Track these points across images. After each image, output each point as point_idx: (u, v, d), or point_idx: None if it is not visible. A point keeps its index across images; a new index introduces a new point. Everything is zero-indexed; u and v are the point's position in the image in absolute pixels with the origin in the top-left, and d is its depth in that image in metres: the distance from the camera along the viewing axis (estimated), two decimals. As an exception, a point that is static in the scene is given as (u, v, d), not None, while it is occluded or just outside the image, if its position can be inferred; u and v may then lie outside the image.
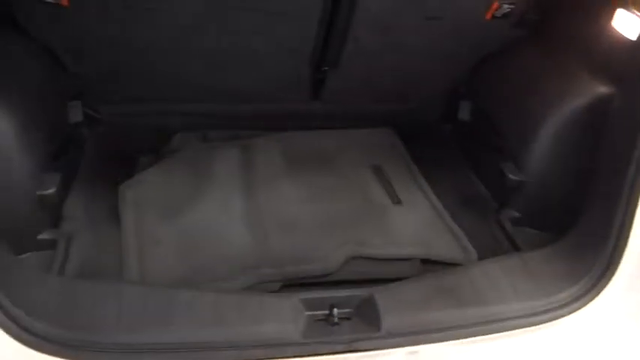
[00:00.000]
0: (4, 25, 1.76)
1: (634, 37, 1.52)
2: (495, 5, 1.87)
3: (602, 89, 1.63)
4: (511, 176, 1.80)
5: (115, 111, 2.13)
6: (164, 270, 1.57)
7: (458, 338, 1.27)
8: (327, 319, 1.30)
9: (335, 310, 1.29)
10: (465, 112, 2.18)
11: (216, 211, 1.78)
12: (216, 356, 1.18)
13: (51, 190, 1.58)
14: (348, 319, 1.31)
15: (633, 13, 1.55)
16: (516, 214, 1.83)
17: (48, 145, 1.67)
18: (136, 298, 1.26)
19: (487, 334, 1.29)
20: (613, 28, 1.64)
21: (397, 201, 1.91)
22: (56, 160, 1.72)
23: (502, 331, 1.30)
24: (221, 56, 1.94)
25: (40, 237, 1.60)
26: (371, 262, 1.65)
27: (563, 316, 1.33)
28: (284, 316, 1.27)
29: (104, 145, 2.07)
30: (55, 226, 1.67)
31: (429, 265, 1.68)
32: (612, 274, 1.37)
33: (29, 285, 1.27)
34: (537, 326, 1.32)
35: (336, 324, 1.29)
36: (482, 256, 1.70)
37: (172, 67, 1.97)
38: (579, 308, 1.34)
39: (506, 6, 1.88)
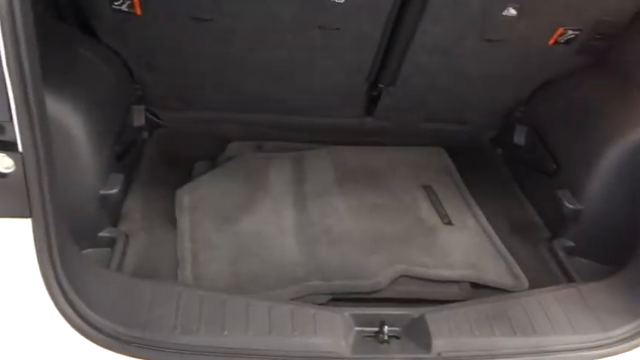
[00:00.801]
0: (78, 31, 1.85)
1: None
2: (560, 31, 1.86)
3: None
4: (568, 204, 1.76)
5: (173, 116, 2.20)
6: (217, 274, 1.60)
7: (511, 366, 1.25)
8: (377, 336, 1.30)
9: (385, 328, 1.29)
10: (520, 136, 2.15)
11: (269, 221, 1.81)
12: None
13: (114, 190, 1.64)
14: (397, 337, 1.31)
15: None
16: (570, 244, 1.79)
17: (114, 146, 1.73)
18: (193, 301, 1.29)
19: (541, 364, 1.26)
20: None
21: (448, 221, 1.90)
22: (119, 161, 1.79)
23: (557, 362, 1.27)
24: (280, 69, 1.99)
25: (100, 234, 1.66)
26: (421, 282, 1.65)
27: (621, 352, 1.29)
28: (335, 331, 1.28)
29: (162, 149, 2.14)
30: (114, 225, 1.73)
31: (479, 289, 1.67)
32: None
33: (91, 280, 1.32)
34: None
35: (386, 342, 1.29)
36: (534, 285, 1.67)
37: (233, 78, 2.03)
38: (635, 347, 1.30)
39: (570, 32, 1.86)
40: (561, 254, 1.77)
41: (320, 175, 2.04)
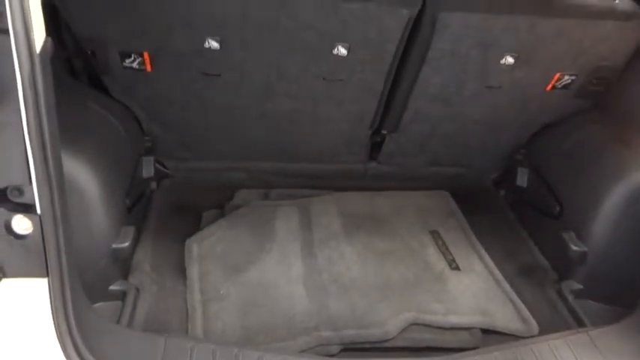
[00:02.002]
0: (89, 86, 1.91)
1: None
2: (557, 76, 1.91)
3: None
4: (574, 247, 1.77)
5: (181, 166, 2.24)
6: (227, 327, 1.60)
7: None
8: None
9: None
10: (522, 179, 2.18)
11: (277, 270, 1.83)
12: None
13: (126, 244, 1.66)
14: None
15: None
16: (579, 286, 1.80)
17: (125, 199, 1.76)
18: (205, 356, 1.29)
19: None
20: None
21: (455, 266, 1.91)
22: (129, 213, 1.81)
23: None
24: (286, 119, 2.04)
25: (110, 288, 1.67)
26: (431, 329, 1.64)
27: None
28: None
29: (170, 199, 2.17)
30: (125, 278, 1.74)
31: (490, 334, 1.66)
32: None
33: (104, 336, 1.32)
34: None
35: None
36: (544, 329, 1.67)
37: (240, 128, 2.07)
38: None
39: (567, 77, 1.92)
40: (570, 297, 1.78)
41: (326, 222, 2.07)
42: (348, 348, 1.57)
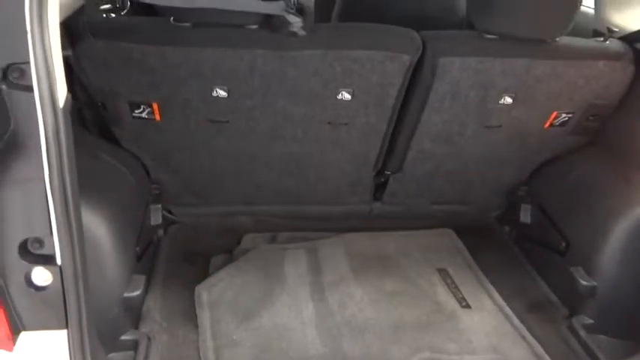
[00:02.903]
0: (99, 137, 1.95)
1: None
2: (554, 115, 1.97)
3: None
4: (583, 282, 1.79)
5: (188, 212, 2.25)
6: (241, 374, 1.59)
7: None
8: None
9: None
10: (526, 215, 2.21)
11: (289, 315, 1.83)
12: None
13: (137, 293, 1.66)
14: None
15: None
16: (590, 321, 1.80)
17: (135, 248, 1.77)
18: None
19: None
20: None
21: (465, 304, 1.92)
22: (139, 261, 1.82)
23: None
24: (292, 163, 2.07)
25: (122, 338, 1.66)
26: (444, 367, 1.64)
27: None
28: None
29: (178, 246, 2.18)
30: (136, 327, 1.73)
31: (504, 373, 1.66)
32: None
33: None
34: None
35: None
36: (558, 365, 1.67)
37: (247, 173, 2.11)
38: None
39: (564, 115, 1.98)
40: (582, 332, 1.78)
41: (335, 264, 2.08)
42: (364, 391, 1.56)
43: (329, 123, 1.92)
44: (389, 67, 1.76)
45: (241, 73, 1.73)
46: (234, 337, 1.72)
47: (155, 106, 1.82)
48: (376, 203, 2.32)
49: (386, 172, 2.20)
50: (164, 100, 1.81)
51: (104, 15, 1.74)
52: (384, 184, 2.25)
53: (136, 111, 1.83)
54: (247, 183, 2.16)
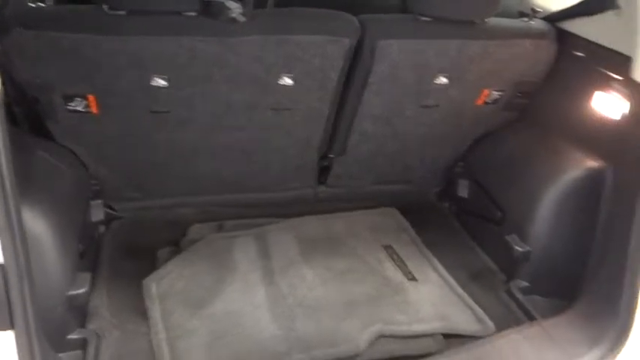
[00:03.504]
0: (32, 134, 1.86)
1: (617, 117, 1.70)
2: (486, 92, 2.08)
3: (592, 164, 1.79)
4: (517, 248, 1.91)
5: (130, 206, 2.20)
6: (198, 362, 1.59)
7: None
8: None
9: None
10: (463, 190, 2.32)
11: (241, 300, 1.83)
12: None
13: (82, 290, 1.62)
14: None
15: (613, 95, 1.74)
16: (525, 284, 1.92)
17: (78, 245, 1.72)
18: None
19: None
20: (594, 109, 1.83)
21: (412, 277, 2.00)
22: (82, 258, 1.77)
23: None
24: (235, 151, 2.07)
25: (69, 337, 1.61)
26: (397, 339, 1.71)
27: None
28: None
29: (121, 241, 2.12)
30: (83, 326, 1.69)
31: (450, 338, 1.75)
32: (626, 338, 1.46)
33: None
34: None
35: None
36: (499, 326, 1.77)
37: (189, 163, 2.08)
38: (604, 370, 1.42)
39: (495, 93, 2.08)
40: (519, 295, 1.90)
41: (284, 248, 2.10)
42: (321, 367, 1.60)
43: (272, 109, 1.93)
44: (329, 50, 1.79)
45: (181, 62, 1.70)
46: (188, 327, 1.71)
47: (91, 98, 1.76)
48: (321, 187, 2.36)
49: (329, 156, 2.24)
50: (101, 92, 1.75)
51: (31, 4, 1.66)
52: (328, 168, 2.30)
53: (71, 104, 1.77)
54: (191, 174, 2.14)
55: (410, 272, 2.03)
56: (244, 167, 2.16)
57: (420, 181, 2.45)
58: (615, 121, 1.71)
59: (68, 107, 1.77)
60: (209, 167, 2.12)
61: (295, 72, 1.81)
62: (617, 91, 1.69)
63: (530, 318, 1.80)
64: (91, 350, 1.60)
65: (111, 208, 2.18)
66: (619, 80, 1.67)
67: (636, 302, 1.47)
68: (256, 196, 2.31)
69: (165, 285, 1.87)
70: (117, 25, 1.62)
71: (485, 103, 2.11)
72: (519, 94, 2.11)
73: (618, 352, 1.45)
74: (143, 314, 1.77)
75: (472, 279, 2.04)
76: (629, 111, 1.56)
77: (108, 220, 2.16)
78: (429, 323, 1.76)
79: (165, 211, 2.24)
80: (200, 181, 2.19)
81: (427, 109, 2.08)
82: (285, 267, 2.00)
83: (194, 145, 2.00)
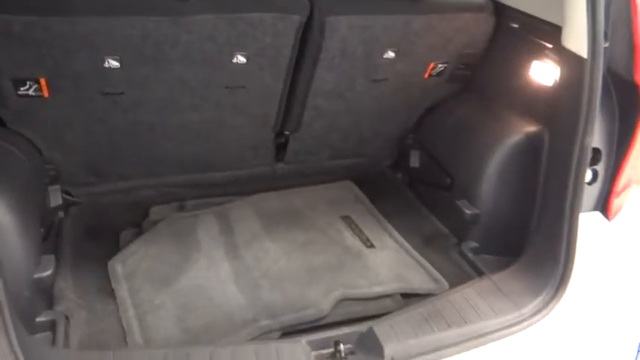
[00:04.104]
0: None
1: (550, 84, 1.84)
2: (431, 65, 2.18)
3: (531, 128, 1.93)
4: (467, 211, 2.03)
5: (88, 191, 2.19)
6: (168, 333, 1.64)
7: (451, 355, 1.44)
8: (335, 355, 1.42)
9: (341, 346, 1.41)
10: (415, 160, 2.43)
11: (207, 275, 1.88)
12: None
13: (48, 273, 1.62)
14: (352, 353, 1.44)
15: (546, 63, 1.87)
16: (475, 244, 2.05)
17: (39, 229, 1.72)
18: (158, 359, 1.33)
19: (474, 347, 1.46)
20: (531, 77, 1.96)
21: (370, 245, 2.10)
22: (44, 242, 1.77)
23: (485, 344, 1.48)
24: (192, 130, 2.09)
25: (38, 320, 1.62)
26: (358, 301, 1.80)
27: (533, 323, 1.53)
28: (297, 357, 1.38)
29: (82, 226, 2.12)
30: (50, 308, 1.70)
31: (408, 297, 1.86)
32: (566, 285, 1.60)
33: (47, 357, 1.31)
34: (512, 336, 1.51)
35: (344, 359, 1.41)
36: (453, 284, 1.89)
37: (146, 145, 2.09)
38: (544, 316, 1.56)
39: (440, 66, 2.19)
40: (470, 255, 2.02)
41: (246, 224, 2.15)
42: (287, 332, 1.68)
43: (226, 87, 1.96)
44: (280, 27, 1.83)
45: (133, 42, 1.71)
46: (156, 303, 1.75)
47: (43, 81, 1.75)
48: (279, 164, 2.42)
49: (285, 133, 2.30)
50: (52, 75, 1.74)
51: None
52: (285, 145, 2.35)
53: (22, 88, 1.75)
54: (148, 155, 2.15)
55: (368, 240, 2.13)
56: (201, 147, 2.19)
57: (374, 153, 2.54)
58: (549, 87, 1.84)
59: (18, 92, 1.75)
60: (166, 148, 2.13)
61: (248, 50, 1.85)
62: (550, 58, 1.82)
63: (481, 274, 1.93)
64: (60, 331, 1.61)
65: (68, 194, 2.17)
66: (550, 48, 1.80)
67: (574, 253, 1.61)
68: (215, 175, 2.34)
69: (131, 265, 1.90)
70: (66, 6, 1.61)
71: (431, 75, 2.21)
72: (462, 66, 2.22)
73: (559, 299, 1.59)
74: (110, 294, 1.80)
75: (426, 243, 2.16)
76: (559, 76, 1.69)
77: (66, 206, 2.15)
78: (387, 285, 1.87)
79: (125, 194, 2.24)
80: (158, 163, 2.20)
81: (377, 83, 2.16)
82: (248, 242, 2.05)
83: (149, 126, 2.02)
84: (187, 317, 1.71)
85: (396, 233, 2.18)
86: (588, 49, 1.52)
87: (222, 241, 2.05)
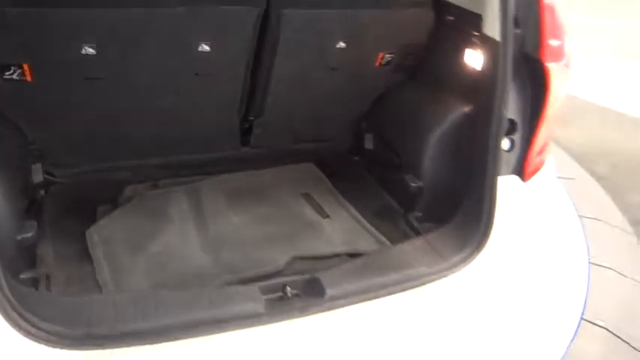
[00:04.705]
0: None
1: (479, 67, 2.09)
2: (381, 55, 2.42)
3: (465, 107, 2.17)
4: (412, 184, 2.27)
5: (67, 172, 2.38)
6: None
7: (385, 296, 1.66)
8: (283, 297, 1.63)
9: (287, 288, 1.62)
10: (369, 143, 2.66)
11: (177, 243, 2.10)
12: (201, 332, 1.47)
13: (30, 234, 1.82)
14: (298, 295, 1.65)
15: (475, 49, 2.12)
16: (420, 214, 2.28)
17: (23, 199, 1.92)
18: (127, 298, 1.54)
19: (406, 290, 1.69)
20: (465, 63, 2.21)
21: (326, 216, 2.32)
22: (27, 212, 1.97)
23: (416, 287, 1.70)
24: (165, 116, 2.30)
25: (22, 277, 1.81)
26: (311, 261, 2.03)
27: (457, 271, 1.77)
28: (252, 298, 1.59)
29: (61, 203, 2.29)
30: (33, 267, 1.89)
31: (355, 258, 2.08)
32: (486, 239, 1.84)
33: (32, 297, 1.50)
34: (439, 281, 1.74)
35: (290, 299, 1.62)
36: (397, 247, 2.12)
37: (123, 129, 2.30)
38: (467, 265, 1.79)
39: (388, 55, 2.43)
40: (415, 223, 2.25)
41: (214, 200, 2.36)
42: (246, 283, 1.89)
43: (196, 74, 2.18)
44: (240, 19, 2.06)
45: (107, 31, 1.92)
46: (129, 266, 1.95)
47: (26, 67, 1.94)
48: (245, 148, 2.63)
49: (250, 118, 2.52)
50: (34, 61, 1.92)
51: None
52: (250, 130, 2.57)
53: (7, 73, 1.93)
54: (124, 138, 2.35)
55: (325, 213, 2.35)
56: (174, 131, 2.40)
57: (334, 138, 2.77)
58: (477, 70, 2.09)
59: (4, 77, 1.94)
60: (142, 132, 2.34)
61: (211, 39, 2.07)
62: (477, 45, 2.07)
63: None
64: (42, 287, 1.80)
65: (49, 173, 2.35)
66: (477, 36, 2.05)
67: (493, 212, 1.85)
68: (186, 158, 2.55)
69: (107, 234, 2.10)
70: None
71: (381, 64, 2.45)
72: (408, 56, 2.47)
73: (480, 251, 1.82)
74: (87, 259, 1.99)
75: (377, 215, 2.39)
76: (483, 60, 1.94)
77: (47, 185, 2.34)
78: (337, 247, 2.10)
79: (102, 174, 2.44)
80: (134, 145, 2.40)
81: (333, 71, 2.39)
82: (215, 215, 2.27)
83: (127, 111, 2.22)
84: (157, 276, 1.92)
85: (351, 207, 2.41)
86: (500, 33, 1.77)
87: (191, 215, 2.26)
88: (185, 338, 1.43)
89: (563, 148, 4.59)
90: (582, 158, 4.55)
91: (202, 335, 1.45)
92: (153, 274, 1.91)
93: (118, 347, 1.40)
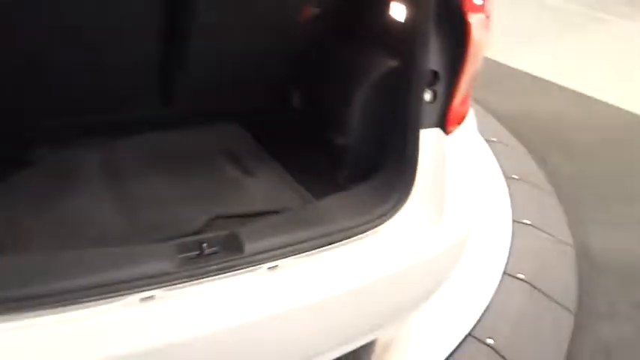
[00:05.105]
0: None
1: (402, 20, 2.05)
2: (307, 9, 2.33)
3: (391, 63, 2.13)
4: (338, 142, 2.22)
5: None
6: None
7: (308, 250, 1.62)
8: (200, 255, 1.55)
9: (204, 245, 1.55)
10: (295, 100, 2.59)
11: (87, 203, 1.96)
12: (104, 294, 1.38)
13: None
14: (216, 252, 1.57)
15: (401, 3, 2.08)
16: (346, 171, 2.25)
17: None
18: (24, 261, 1.42)
19: (329, 244, 1.66)
20: (391, 16, 2.17)
21: (250, 175, 2.25)
22: None
23: (341, 240, 1.68)
24: (73, 72, 2.12)
25: None
26: (230, 220, 1.95)
27: (379, 224, 1.76)
28: (163, 256, 1.50)
29: None
30: None
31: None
32: (409, 191, 1.84)
33: None
34: (364, 233, 1.72)
35: (207, 256, 1.54)
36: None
37: (25, 85, 2.10)
38: (390, 217, 1.78)
39: (314, 9, 2.35)
40: (340, 179, 2.22)
41: (129, 159, 2.23)
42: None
43: (101, 25, 2.01)
44: None
45: None
46: (34, 229, 1.81)
47: None
48: (166, 108, 2.49)
49: (171, 75, 2.37)
50: None
51: None
52: (172, 87, 2.43)
53: None
54: (28, 96, 2.16)
55: (248, 171, 2.28)
56: (84, 89, 2.22)
57: (259, 95, 2.67)
58: (402, 23, 2.06)
59: None
60: (45, 89, 2.15)
61: None
62: (401, -1, 2.03)
63: (347, 190, 2.12)
64: None
65: None
66: (400, -14, 2.01)
67: (416, 164, 1.85)
68: (100, 118, 2.38)
69: (8, 198, 1.93)
70: None
71: (307, 19, 2.37)
72: (335, 11, 2.40)
73: (403, 204, 1.82)
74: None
75: (303, 172, 2.33)
76: (406, 13, 1.91)
77: None
78: (262, 204, 2.04)
79: (5, 134, 2.23)
80: (40, 103, 2.21)
81: (257, 26, 2.29)
82: (130, 176, 2.14)
83: (25, 66, 2.02)
84: (65, 238, 1.78)
85: (276, 165, 2.35)
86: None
87: (104, 174, 2.12)
88: (85, 302, 1.33)
89: (491, 113, 4.73)
90: (507, 122, 4.70)
91: (106, 298, 1.35)
92: (59, 237, 1.77)
93: (13, 312, 1.28)
